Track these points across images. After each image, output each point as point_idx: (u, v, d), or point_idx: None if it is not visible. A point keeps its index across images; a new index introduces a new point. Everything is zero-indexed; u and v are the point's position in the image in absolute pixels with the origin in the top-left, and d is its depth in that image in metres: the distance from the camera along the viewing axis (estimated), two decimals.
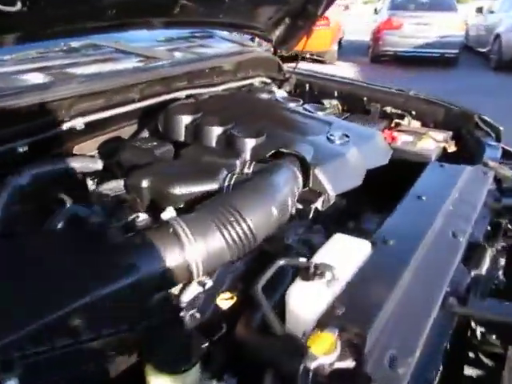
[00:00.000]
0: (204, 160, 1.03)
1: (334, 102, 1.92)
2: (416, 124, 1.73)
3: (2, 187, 1.01)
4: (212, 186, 0.92)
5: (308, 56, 7.91)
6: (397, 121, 1.74)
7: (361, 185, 1.29)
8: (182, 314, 0.76)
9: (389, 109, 1.79)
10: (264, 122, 1.25)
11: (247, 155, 1.09)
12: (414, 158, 1.41)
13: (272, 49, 2.00)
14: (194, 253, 0.74)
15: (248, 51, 1.82)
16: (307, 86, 1.99)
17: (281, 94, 1.76)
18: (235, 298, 0.81)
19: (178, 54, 1.54)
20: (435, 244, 0.88)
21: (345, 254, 0.83)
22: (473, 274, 0.88)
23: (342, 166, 1.09)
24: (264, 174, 0.95)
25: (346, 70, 7.61)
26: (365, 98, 1.84)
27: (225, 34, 1.87)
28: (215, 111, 1.26)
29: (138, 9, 1.30)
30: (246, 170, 1.00)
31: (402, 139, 1.52)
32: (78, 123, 1.23)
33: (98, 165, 1.17)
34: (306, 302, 0.70)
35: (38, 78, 1.16)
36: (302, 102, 1.58)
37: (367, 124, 1.70)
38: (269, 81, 1.97)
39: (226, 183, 0.92)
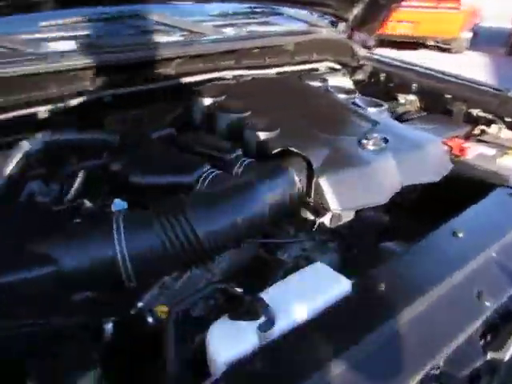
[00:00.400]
0: (197, 149, 0.91)
1: (412, 97, 1.63)
2: (509, 134, 1.37)
3: (15, 150, 1.03)
4: (183, 181, 0.80)
5: (431, 43, 7.13)
6: (482, 127, 1.40)
7: (405, 201, 1.07)
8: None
9: (476, 111, 1.45)
10: (290, 113, 1.08)
11: (252, 149, 0.94)
12: (485, 178, 1.11)
13: (349, 31, 1.77)
14: (122, 250, 0.64)
15: (314, 31, 1.62)
16: (383, 75, 1.72)
17: (340, 82, 1.54)
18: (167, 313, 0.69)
19: (227, 30, 1.42)
20: (446, 302, 0.65)
21: (311, 291, 0.65)
22: (489, 356, 0.63)
23: (361, 177, 0.88)
24: (244, 179, 0.80)
25: (474, 62, 6.68)
26: (448, 96, 1.52)
27: (294, 12, 1.68)
28: (239, 96, 1.13)
29: None
30: (235, 169, 0.86)
31: (478, 151, 1.20)
32: (105, 95, 1.21)
33: (113, 141, 1.12)
34: (223, 344, 0.56)
35: (68, 46, 1.14)
36: (357, 94, 1.35)
37: (447, 128, 1.41)
38: (338, 67, 1.75)
39: (200, 182, 0.80)
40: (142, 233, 0.66)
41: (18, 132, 1.07)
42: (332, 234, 0.99)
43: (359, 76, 1.78)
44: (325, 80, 1.44)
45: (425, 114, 1.58)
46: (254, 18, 1.56)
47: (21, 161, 1.01)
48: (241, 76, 1.44)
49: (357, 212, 0.98)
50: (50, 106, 1.11)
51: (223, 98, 1.11)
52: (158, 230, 0.66)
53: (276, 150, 0.91)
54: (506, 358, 0.63)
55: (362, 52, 1.76)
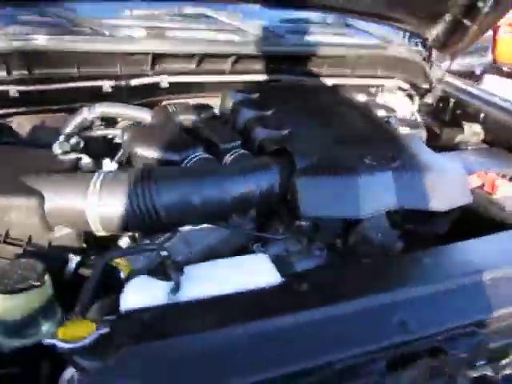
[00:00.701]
0: (202, 134, 1.01)
1: (477, 127, 1.51)
2: None
3: (76, 115, 1.24)
4: (172, 158, 0.90)
5: (506, 69, 6.28)
6: None
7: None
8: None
9: None
10: (311, 120, 1.11)
11: (254, 144, 1.00)
12: (501, 218, 1.01)
13: (427, 50, 1.70)
14: (93, 204, 0.77)
15: (383, 47, 1.60)
16: (452, 101, 1.62)
17: (393, 102, 1.50)
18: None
19: (289, 36, 1.48)
20: (357, 316, 0.64)
21: (237, 275, 0.70)
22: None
23: (342, 187, 0.88)
24: (222, 165, 0.87)
25: None
26: None
27: (370, 26, 1.67)
28: (270, 96, 1.20)
29: None
30: (226, 157, 0.94)
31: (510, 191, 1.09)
32: (163, 80, 1.37)
33: (148, 117, 1.27)
34: (133, 296, 0.65)
35: (137, 32, 1.32)
36: (396, 113, 1.31)
37: (501, 163, 1.29)
38: (407, 86, 1.70)
39: (184, 163, 0.89)
40: (112, 195, 0.77)
41: (84, 100, 1.28)
42: (321, 240, 1.00)
43: (429, 99, 1.71)
44: (371, 94, 1.42)
45: (485, 146, 1.46)
46: (321, 28, 1.59)
47: (78, 124, 1.23)
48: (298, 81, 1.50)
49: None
50: (113, 82, 1.30)
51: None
52: (126, 195, 0.77)
53: (272, 149, 0.96)
54: None
55: (436, 74, 1.68)
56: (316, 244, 0.99)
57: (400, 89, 1.69)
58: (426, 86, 1.69)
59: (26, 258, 0.68)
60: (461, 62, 5.41)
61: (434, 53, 1.71)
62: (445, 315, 0.67)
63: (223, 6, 1.47)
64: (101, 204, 0.76)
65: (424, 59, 1.70)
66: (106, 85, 1.30)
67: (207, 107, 1.37)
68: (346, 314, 0.64)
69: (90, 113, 1.23)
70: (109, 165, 0.91)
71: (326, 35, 1.57)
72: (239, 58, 1.41)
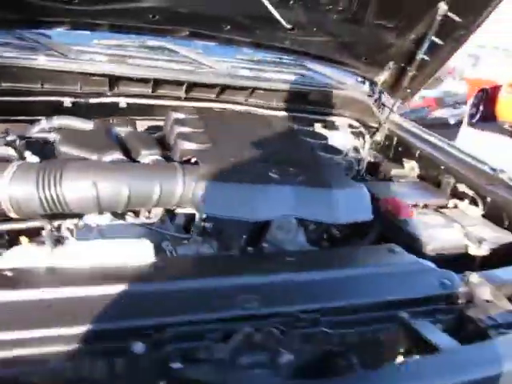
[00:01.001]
0: (128, 141, 1.13)
1: (414, 164, 1.61)
2: (476, 212, 1.26)
3: (35, 124, 1.36)
4: (90, 158, 1.01)
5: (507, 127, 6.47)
6: (456, 201, 1.33)
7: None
8: None
9: (462, 187, 1.37)
10: (236, 139, 1.23)
11: (176, 156, 1.11)
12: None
13: (376, 93, 1.83)
14: (3, 187, 0.87)
15: (331, 87, 1.73)
16: (395, 140, 1.73)
17: (334, 134, 1.61)
18: None
19: (243, 71, 1.63)
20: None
21: (111, 254, 0.79)
22: None
23: (238, 192, 0.97)
24: (133, 165, 0.98)
25: None
26: (442, 167, 1.47)
27: (322, 67, 1.82)
28: (207, 118, 1.32)
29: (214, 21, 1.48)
30: (141, 161, 1.05)
31: (415, 216, 1.16)
32: (121, 101, 1.52)
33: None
34: (9, 257, 0.73)
35: (100, 57, 1.48)
36: (326, 141, 1.41)
37: (423, 195, 1.37)
38: (357, 124, 1.81)
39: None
40: (21, 180, 0.87)
41: (47, 113, 1.42)
42: (230, 244, 1.08)
43: (378, 137, 1.81)
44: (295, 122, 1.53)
45: (418, 180, 1.55)
46: (276, 67, 1.75)
47: (36, 132, 1.35)
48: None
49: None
50: (73, 99, 1.45)
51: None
52: (33, 181, 0.87)
53: (186, 158, 1.07)
54: None
55: (383, 114, 1.80)
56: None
57: (350, 126, 1.81)
58: (374, 124, 1.80)
59: None
60: (436, 113, 5.63)
61: (386, 95, 1.85)
62: (288, 301, 0.73)
63: (185, 41, 1.64)
64: (10, 188, 0.86)
65: (375, 100, 1.82)
66: (67, 101, 1.44)
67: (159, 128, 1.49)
68: (198, 288, 0.71)
69: (48, 123, 1.36)
70: (30, 157, 1.02)
71: (280, 73, 1.72)
72: (194, 85, 1.56)
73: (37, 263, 0.72)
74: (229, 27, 1.48)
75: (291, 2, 1.42)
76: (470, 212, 1.26)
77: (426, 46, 1.55)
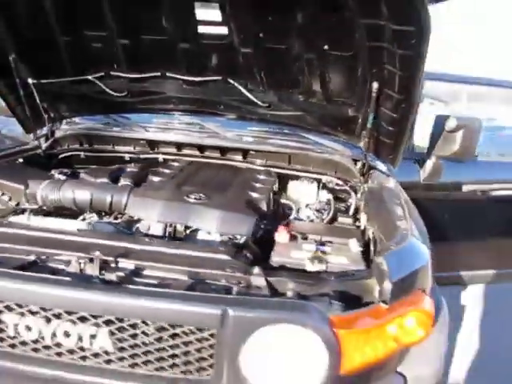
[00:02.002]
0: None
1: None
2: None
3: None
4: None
5: None
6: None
7: None
8: None
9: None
10: (189, 177, 1.79)
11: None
12: None
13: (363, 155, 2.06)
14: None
15: (315, 150, 2.09)
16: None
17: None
18: None
19: (245, 138, 2.17)
20: None
21: None
22: None
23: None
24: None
25: None
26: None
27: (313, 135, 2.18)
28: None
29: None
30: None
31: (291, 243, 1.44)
32: (160, 157, 2.25)
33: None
34: None
35: (145, 129, 2.26)
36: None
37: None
38: (340, 182, 2.08)
39: None
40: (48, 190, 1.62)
41: (114, 163, 2.23)
42: None
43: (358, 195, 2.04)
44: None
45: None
46: (276, 136, 2.21)
47: None
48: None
49: None
50: (130, 155, 2.25)
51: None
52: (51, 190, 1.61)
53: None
54: None
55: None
56: None
57: (336, 183, 2.09)
58: (354, 183, 2.05)
59: None
60: None
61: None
62: None
63: (210, 118, 2.30)
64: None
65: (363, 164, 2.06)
66: (126, 156, 2.25)
67: None
68: None
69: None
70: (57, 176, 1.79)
71: (275, 139, 2.18)
72: (205, 147, 2.18)
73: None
74: (222, 107, 2.09)
75: (262, 88, 1.95)
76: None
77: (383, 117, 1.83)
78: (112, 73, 2.01)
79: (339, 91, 1.87)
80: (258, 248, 1.45)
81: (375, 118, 1.84)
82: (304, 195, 2.00)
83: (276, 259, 1.35)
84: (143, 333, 1.06)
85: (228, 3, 1.58)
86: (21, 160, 2.02)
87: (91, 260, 1.12)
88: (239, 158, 2.17)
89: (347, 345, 1.05)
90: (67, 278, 1.09)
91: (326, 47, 1.67)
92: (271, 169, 2.09)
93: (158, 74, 1.96)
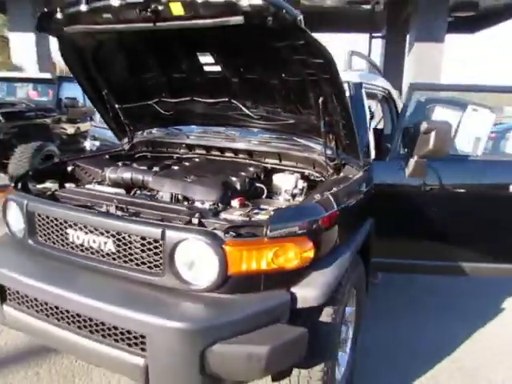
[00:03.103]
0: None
1: None
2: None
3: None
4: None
5: None
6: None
7: None
8: None
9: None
10: (195, 167, 2.65)
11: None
12: None
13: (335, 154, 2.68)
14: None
15: (298, 150, 2.77)
16: None
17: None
18: None
19: (252, 142, 2.94)
20: None
21: None
22: None
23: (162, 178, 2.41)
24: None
25: None
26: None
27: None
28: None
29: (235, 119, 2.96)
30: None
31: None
32: (195, 156, 3.18)
33: None
34: None
35: (192, 136, 3.21)
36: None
37: None
38: (316, 174, 2.72)
39: None
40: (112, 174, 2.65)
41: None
42: None
43: None
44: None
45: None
46: (273, 139, 2.94)
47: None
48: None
49: None
50: (178, 155, 3.21)
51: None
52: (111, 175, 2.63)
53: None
54: None
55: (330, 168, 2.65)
56: None
57: (310, 175, 2.74)
58: (325, 174, 2.67)
59: None
60: None
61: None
62: None
63: (232, 129, 3.15)
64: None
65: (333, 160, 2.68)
66: (175, 156, 3.22)
67: None
68: None
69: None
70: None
71: (269, 143, 2.92)
72: (228, 149, 3.03)
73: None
74: (228, 120, 2.92)
75: (253, 105, 2.73)
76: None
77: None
78: (162, 99, 3.01)
79: (303, 105, 2.55)
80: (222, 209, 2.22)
81: (329, 125, 2.48)
82: (285, 183, 2.69)
83: (223, 215, 2.12)
84: (129, 242, 1.94)
85: (215, 53, 2.42)
86: (107, 156, 3.12)
87: (112, 205, 2.06)
88: (245, 156, 2.96)
89: (232, 257, 1.78)
90: (97, 212, 2.05)
91: (283, 75, 2.39)
92: (263, 164, 2.84)
93: (188, 98, 2.89)
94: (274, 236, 1.83)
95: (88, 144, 5.74)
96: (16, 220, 2.31)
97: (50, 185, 2.51)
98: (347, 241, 2.23)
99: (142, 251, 1.93)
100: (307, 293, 1.91)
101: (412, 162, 2.90)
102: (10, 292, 2.17)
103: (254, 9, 1.88)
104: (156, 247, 1.89)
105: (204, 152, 3.12)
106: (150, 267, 1.92)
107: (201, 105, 2.93)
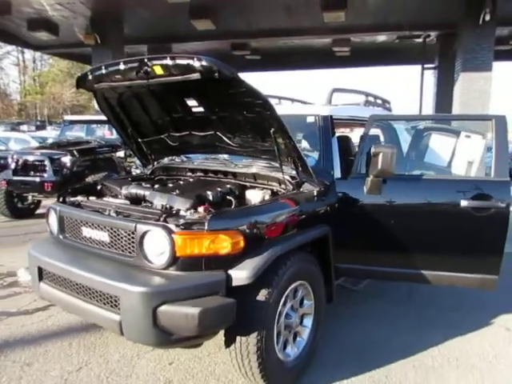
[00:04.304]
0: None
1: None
2: None
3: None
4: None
5: None
6: None
7: None
8: None
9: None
10: (181, 184, 3.42)
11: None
12: None
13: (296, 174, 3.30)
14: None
15: (264, 171, 3.43)
16: None
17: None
18: None
19: (237, 166, 3.66)
20: None
21: None
22: None
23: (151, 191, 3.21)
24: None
25: None
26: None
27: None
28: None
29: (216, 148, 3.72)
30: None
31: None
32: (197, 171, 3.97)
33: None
34: None
35: (195, 162, 4.02)
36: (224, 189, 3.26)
37: None
38: (281, 190, 3.35)
39: None
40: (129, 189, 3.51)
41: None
42: None
43: None
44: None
45: None
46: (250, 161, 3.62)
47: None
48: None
49: None
50: (182, 177, 4.03)
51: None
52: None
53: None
54: None
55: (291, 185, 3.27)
56: None
57: (277, 191, 3.37)
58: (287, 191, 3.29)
59: None
60: None
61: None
62: None
63: (223, 155, 3.90)
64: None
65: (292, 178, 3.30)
66: (182, 178, 4.04)
67: None
68: None
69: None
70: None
71: (249, 166, 3.60)
72: (219, 171, 3.78)
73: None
74: (214, 149, 3.68)
75: (231, 136, 3.47)
76: None
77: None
78: (171, 134, 3.87)
79: (263, 136, 3.23)
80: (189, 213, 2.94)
81: (284, 150, 3.14)
82: (254, 197, 3.35)
83: (188, 216, 2.84)
84: (123, 235, 2.73)
85: (196, 98, 3.23)
86: (129, 179, 4.03)
87: (109, 210, 2.90)
88: (230, 176, 3.68)
89: (179, 242, 2.49)
90: (99, 214, 2.90)
91: (244, 112, 3.11)
92: (242, 182, 3.53)
93: (187, 133, 3.72)
94: (212, 229, 2.51)
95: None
96: (53, 222, 3.24)
97: (80, 198, 3.42)
98: (283, 239, 2.82)
99: (125, 240, 2.70)
100: (239, 274, 2.54)
101: (368, 180, 3.40)
102: (45, 272, 3.06)
103: (204, 68, 2.66)
104: (132, 237, 2.65)
105: (202, 174, 3.90)
106: (129, 252, 2.69)
107: (197, 137, 3.73)
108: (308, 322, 3.17)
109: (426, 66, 14.83)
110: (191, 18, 11.42)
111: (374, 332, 3.77)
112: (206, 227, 2.51)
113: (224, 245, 2.52)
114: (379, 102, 5.59)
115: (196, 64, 2.67)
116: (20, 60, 42.94)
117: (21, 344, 3.56)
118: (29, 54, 40.56)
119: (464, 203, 3.31)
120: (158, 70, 2.88)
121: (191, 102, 3.32)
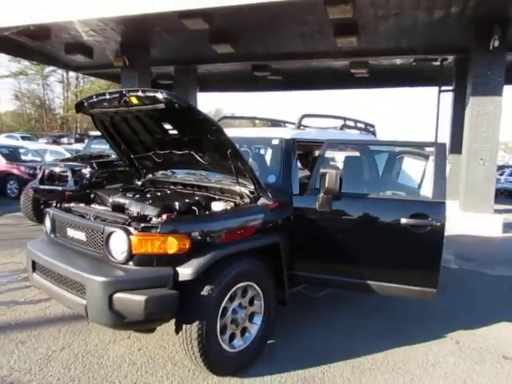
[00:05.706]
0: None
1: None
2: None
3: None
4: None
5: None
6: None
7: None
8: None
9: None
10: (157, 195, 3.98)
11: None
12: None
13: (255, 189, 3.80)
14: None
15: (228, 186, 3.94)
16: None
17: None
18: None
19: (210, 181, 4.19)
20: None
21: None
22: None
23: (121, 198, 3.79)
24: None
25: None
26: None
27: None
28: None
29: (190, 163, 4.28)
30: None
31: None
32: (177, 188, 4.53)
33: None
34: None
35: (178, 176, 4.59)
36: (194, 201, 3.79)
37: None
38: (241, 202, 3.84)
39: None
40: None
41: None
42: None
43: None
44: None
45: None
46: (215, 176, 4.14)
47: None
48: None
49: None
50: (167, 189, 4.60)
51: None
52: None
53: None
54: None
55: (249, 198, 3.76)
56: None
57: (238, 203, 3.87)
58: (244, 200, 3.78)
59: None
60: None
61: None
62: None
63: (201, 171, 4.45)
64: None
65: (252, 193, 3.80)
66: (166, 190, 4.62)
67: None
68: None
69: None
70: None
71: (220, 181, 4.13)
72: (195, 185, 4.32)
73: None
74: (191, 165, 4.23)
75: (202, 155, 4.01)
76: None
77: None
78: (156, 152, 4.47)
79: (225, 156, 3.75)
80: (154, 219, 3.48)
81: (237, 169, 3.66)
82: (217, 207, 3.86)
83: (153, 221, 3.38)
84: (95, 235, 3.31)
85: (169, 122, 3.81)
86: (120, 189, 4.64)
87: (90, 214, 3.50)
88: (202, 189, 4.22)
89: (135, 242, 3.04)
90: (80, 217, 3.50)
91: (208, 136, 3.65)
92: (211, 195, 4.06)
93: (168, 151, 4.30)
94: (163, 232, 3.04)
95: None
96: (48, 223, 3.87)
97: (73, 204, 4.05)
98: (229, 244, 3.31)
99: (96, 239, 3.28)
100: (185, 271, 3.05)
101: (319, 197, 3.85)
102: (37, 264, 3.68)
103: (166, 99, 3.24)
104: (101, 237, 3.22)
105: (182, 187, 4.45)
106: (99, 249, 3.26)
107: (176, 155, 4.30)
108: (258, 319, 3.61)
109: (442, 88, 14.97)
110: (211, 43, 12.19)
111: (331, 337, 4.14)
112: (158, 230, 3.04)
113: (172, 246, 3.04)
114: (361, 125, 6.00)
115: (160, 96, 3.24)
116: (64, 77, 45.84)
117: (20, 327, 4.18)
118: (72, 72, 43.40)
119: (404, 221, 3.68)
120: (134, 100, 3.48)
121: (167, 126, 3.90)
